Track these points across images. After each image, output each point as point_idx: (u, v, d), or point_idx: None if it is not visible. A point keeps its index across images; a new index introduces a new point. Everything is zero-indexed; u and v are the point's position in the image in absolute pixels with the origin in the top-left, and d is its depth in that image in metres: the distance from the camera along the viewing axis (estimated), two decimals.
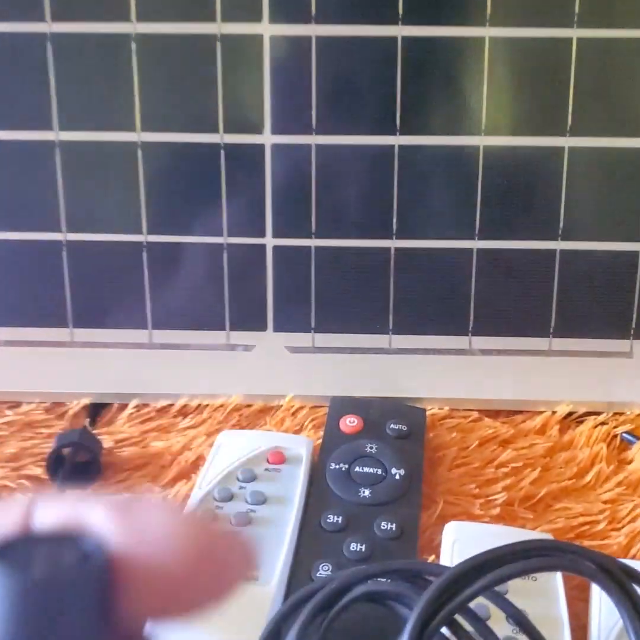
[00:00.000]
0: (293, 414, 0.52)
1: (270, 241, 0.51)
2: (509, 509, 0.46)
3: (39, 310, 0.52)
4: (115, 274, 0.52)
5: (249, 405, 0.53)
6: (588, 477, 0.48)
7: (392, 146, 0.49)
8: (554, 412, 0.52)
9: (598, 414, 0.52)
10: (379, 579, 0.35)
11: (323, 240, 0.51)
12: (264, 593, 0.38)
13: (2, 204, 0.51)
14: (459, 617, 0.34)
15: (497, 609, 0.37)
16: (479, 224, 0.50)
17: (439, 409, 0.52)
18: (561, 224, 0.50)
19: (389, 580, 0.35)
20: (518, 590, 0.36)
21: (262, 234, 0.51)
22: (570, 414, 0.52)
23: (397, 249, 0.51)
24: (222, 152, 0.50)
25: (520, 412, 0.53)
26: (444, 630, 0.34)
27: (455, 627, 0.34)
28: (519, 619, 0.35)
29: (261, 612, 0.38)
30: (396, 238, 0.50)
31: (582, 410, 0.52)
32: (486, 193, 0.50)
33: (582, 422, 0.52)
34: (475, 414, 0.52)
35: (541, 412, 0.52)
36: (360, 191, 0.50)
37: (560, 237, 0.50)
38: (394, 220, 0.50)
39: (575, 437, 0.50)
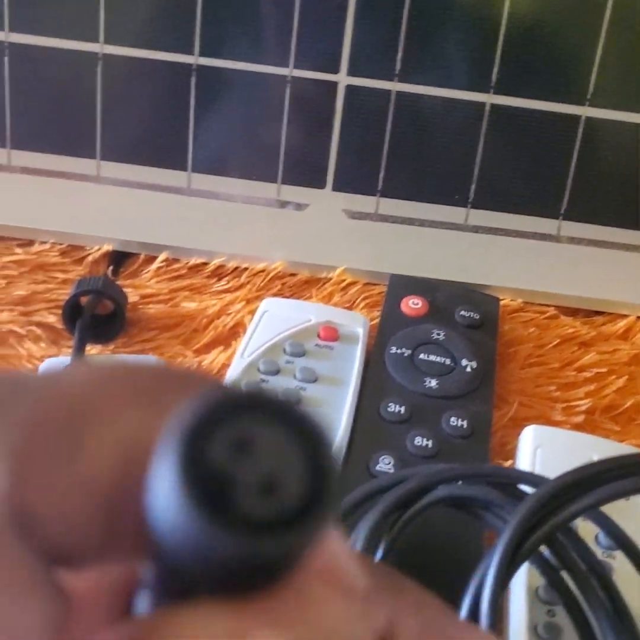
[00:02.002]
0: (343, 288, 0.46)
1: (343, 79, 0.43)
2: (590, 418, 0.40)
3: (64, 136, 0.45)
4: (156, 100, 0.44)
5: (294, 274, 0.47)
6: None
7: None
8: (638, 317, 0.46)
9: None
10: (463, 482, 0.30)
11: (407, 85, 0.43)
12: None
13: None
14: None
15: (586, 526, 0.31)
16: (592, 88, 0.42)
17: (511, 300, 0.46)
18: None
19: (476, 485, 0.29)
20: (606, 509, 0.31)
21: (335, 70, 0.43)
22: None
23: (493, 106, 0.43)
24: None
25: (600, 313, 0.46)
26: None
27: (556, 545, 0.28)
28: (619, 537, 0.30)
29: None
30: (494, 93, 0.43)
31: None
32: (605, 52, 0.42)
33: None
34: (552, 310, 0.46)
35: (624, 316, 0.46)
36: (460, 32, 0.42)
37: None
38: (495, 71, 0.42)
39: None
